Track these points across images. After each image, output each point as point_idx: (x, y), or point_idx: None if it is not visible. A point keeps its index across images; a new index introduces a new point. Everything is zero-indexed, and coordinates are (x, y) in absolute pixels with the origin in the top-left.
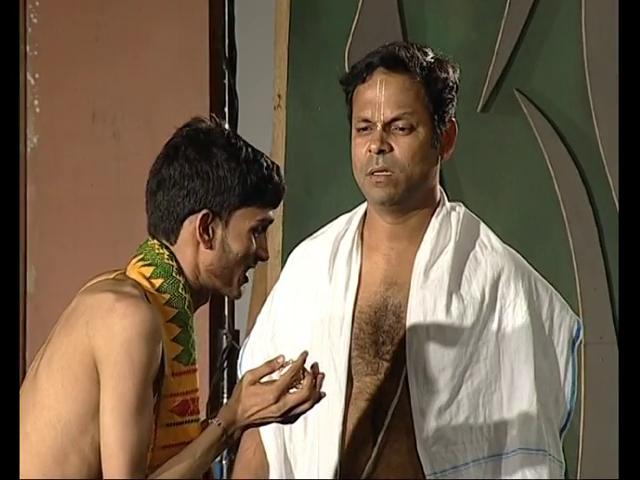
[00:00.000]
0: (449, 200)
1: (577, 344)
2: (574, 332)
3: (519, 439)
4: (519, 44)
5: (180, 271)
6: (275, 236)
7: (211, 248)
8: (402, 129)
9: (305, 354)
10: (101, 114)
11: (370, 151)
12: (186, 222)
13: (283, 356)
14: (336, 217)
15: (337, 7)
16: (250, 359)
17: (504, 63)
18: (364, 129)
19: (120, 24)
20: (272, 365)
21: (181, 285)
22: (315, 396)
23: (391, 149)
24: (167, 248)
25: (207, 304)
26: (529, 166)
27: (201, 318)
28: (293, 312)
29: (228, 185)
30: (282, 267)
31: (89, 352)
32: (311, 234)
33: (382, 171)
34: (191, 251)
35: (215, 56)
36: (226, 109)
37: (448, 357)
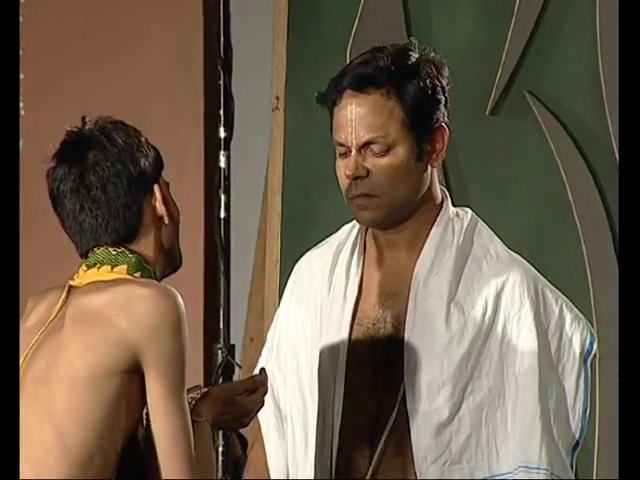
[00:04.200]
0: (455, 205)
1: (590, 358)
2: (586, 345)
3: (520, 457)
4: (530, 43)
5: (146, 260)
6: (273, 245)
7: (171, 218)
8: (377, 152)
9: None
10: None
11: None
12: (144, 207)
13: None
14: (337, 225)
15: (338, 5)
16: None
17: (514, 63)
18: (343, 153)
19: (110, 22)
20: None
21: (152, 273)
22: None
23: (368, 173)
24: (120, 246)
25: (202, 317)
26: (540, 171)
27: (196, 332)
28: (295, 324)
29: (152, 152)
30: (280, 278)
31: (126, 344)
32: (310, 243)
33: (362, 196)
34: (155, 234)
35: (210, 56)
36: (221, 112)
37: (448, 372)
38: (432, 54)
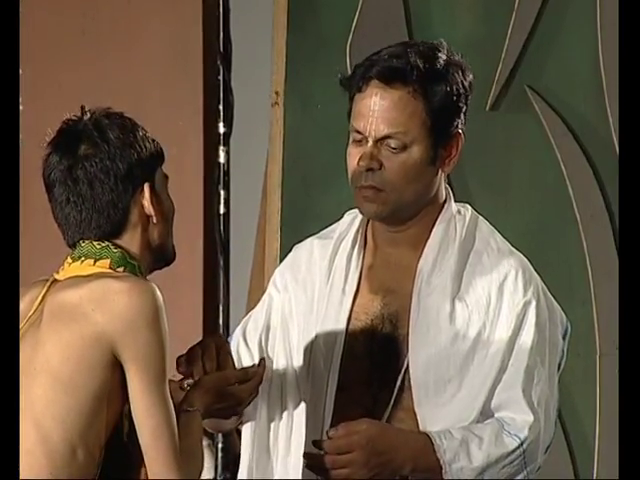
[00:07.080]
0: (455, 201)
1: (559, 373)
2: (561, 358)
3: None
4: (530, 38)
5: (131, 255)
6: (272, 241)
7: (161, 216)
8: (394, 148)
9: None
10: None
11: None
12: (132, 204)
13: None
14: (337, 219)
15: (337, 0)
16: (242, 340)
17: (514, 58)
18: (359, 141)
19: (108, 17)
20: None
21: (137, 268)
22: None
23: (381, 166)
24: (105, 240)
25: (201, 313)
26: (541, 167)
27: (194, 328)
28: (290, 309)
29: (150, 148)
30: None
31: (103, 339)
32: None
33: (370, 188)
34: (142, 232)
35: (209, 51)
36: (221, 107)
37: (455, 367)
38: (459, 57)
